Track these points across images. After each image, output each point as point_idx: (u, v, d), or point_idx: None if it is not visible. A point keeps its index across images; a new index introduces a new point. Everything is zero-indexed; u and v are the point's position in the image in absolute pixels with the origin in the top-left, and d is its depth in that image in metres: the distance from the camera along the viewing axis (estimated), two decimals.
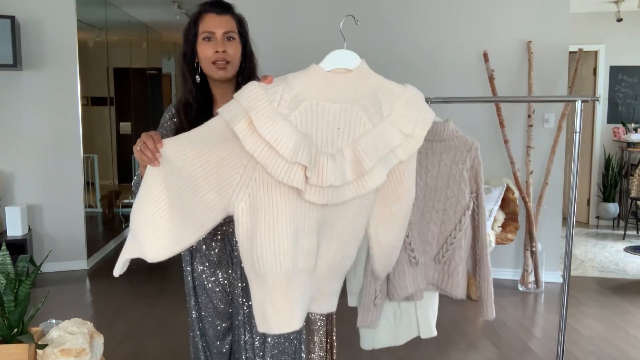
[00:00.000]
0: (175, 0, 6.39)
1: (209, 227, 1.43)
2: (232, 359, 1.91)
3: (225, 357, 1.93)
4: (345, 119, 1.39)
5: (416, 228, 1.95)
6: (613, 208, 6.81)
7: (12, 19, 4.59)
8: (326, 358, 2.68)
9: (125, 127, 6.87)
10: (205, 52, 1.69)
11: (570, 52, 4.70)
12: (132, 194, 1.74)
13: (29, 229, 4.88)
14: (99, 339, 1.80)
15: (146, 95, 7.98)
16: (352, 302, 2.39)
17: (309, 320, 2.60)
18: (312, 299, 1.54)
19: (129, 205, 7.10)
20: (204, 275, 1.87)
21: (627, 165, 6.80)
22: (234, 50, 1.71)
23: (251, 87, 1.36)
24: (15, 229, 4.70)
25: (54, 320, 1.83)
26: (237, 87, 1.79)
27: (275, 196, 1.37)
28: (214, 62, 1.69)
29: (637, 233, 6.57)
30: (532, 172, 4.59)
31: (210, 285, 1.86)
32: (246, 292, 1.81)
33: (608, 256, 5.63)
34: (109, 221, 6.45)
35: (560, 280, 4.58)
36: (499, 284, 4.36)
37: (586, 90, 6.80)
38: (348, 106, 1.40)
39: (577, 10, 6.07)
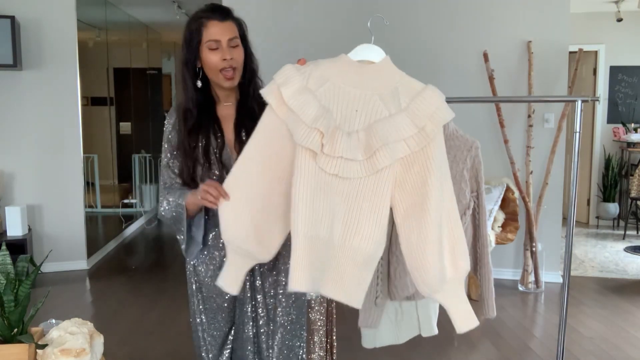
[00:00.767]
0: (175, 0, 6.40)
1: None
2: (234, 356, 1.91)
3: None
4: (364, 103, 1.53)
5: None
6: (613, 208, 6.82)
7: (12, 19, 4.59)
8: (326, 358, 2.68)
9: (125, 127, 6.87)
10: (212, 60, 1.71)
11: (570, 52, 4.70)
12: (170, 220, 1.80)
13: (29, 229, 4.87)
14: (99, 339, 1.80)
15: (146, 95, 7.98)
16: None
17: (309, 320, 2.60)
18: (334, 282, 1.56)
19: (129, 205, 7.12)
20: (209, 274, 1.86)
21: (627, 165, 6.80)
22: (239, 56, 1.75)
23: (285, 68, 1.57)
24: (15, 229, 4.70)
25: (54, 320, 1.83)
26: (240, 87, 1.81)
27: (301, 162, 1.52)
28: (221, 70, 1.72)
29: (637, 233, 6.57)
30: (532, 172, 4.59)
31: (214, 282, 1.86)
32: (253, 287, 1.83)
33: (608, 256, 5.63)
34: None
35: (560, 280, 4.58)
36: (499, 284, 4.35)
37: (586, 90, 6.80)
38: (368, 93, 1.55)
39: (577, 10, 6.07)
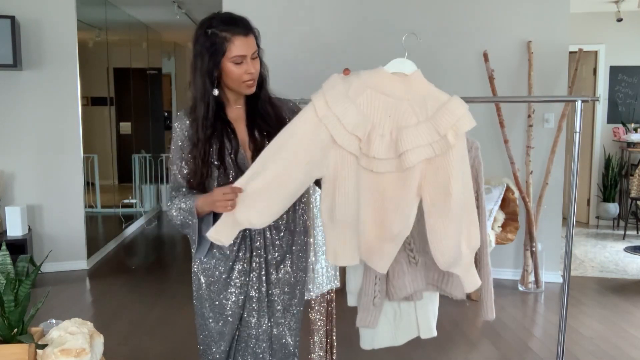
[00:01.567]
0: (175, 0, 6.39)
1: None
2: (237, 347, 1.93)
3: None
4: (396, 110, 1.78)
5: (416, 228, 1.95)
6: (613, 208, 6.82)
7: (12, 19, 4.59)
8: (326, 358, 2.68)
9: (125, 127, 6.87)
10: (237, 73, 1.77)
11: (570, 52, 4.70)
12: (178, 226, 1.85)
13: (29, 229, 4.88)
14: (99, 339, 1.80)
15: (146, 95, 7.98)
16: (351, 301, 2.39)
17: (309, 320, 2.60)
18: (368, 252, 1.89)
19: (129, 205, 7.12)
20: (216, 272, 1.87)
21: (627, 165, 6.80)
22: (258, 66, 1.82)
23: (332, 77, 1.82)
24: (15, 229, 4.70)
25: (54, 320, 1.83)
26: None
27: (346, 166, 1.80)
28: (244, 81, 1.78)
29: (637, 233, 6.57)
30: (532, 172, 4.59)
31: (223, 277, 1.87)
32: (259, 280, 1.86)
33: (608, 256, 5.63)
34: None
35: (560, 280, 4.58)
36: (499, 284, 4.35)
37: (586, 90, 6.80)
38: (399, 101, 1.79)
39: (577, 10, 6.07)
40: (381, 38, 4.62)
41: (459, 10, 4.65)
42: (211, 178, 1.81)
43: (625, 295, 4.48)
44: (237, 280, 1.87)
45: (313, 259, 2.39)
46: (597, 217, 7.00)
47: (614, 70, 6.81)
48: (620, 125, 6.82)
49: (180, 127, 1.86)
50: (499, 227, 4.30)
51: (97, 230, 6.15)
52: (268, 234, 1.86)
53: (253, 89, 1.82)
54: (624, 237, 6.35)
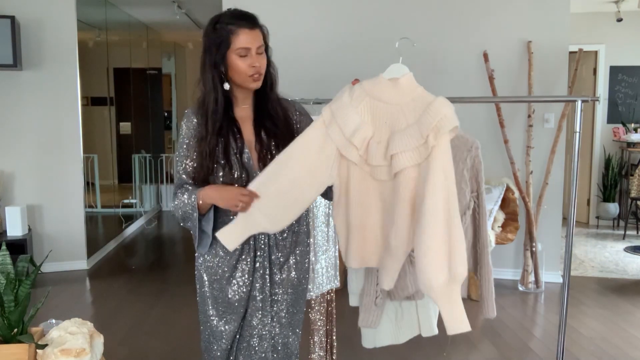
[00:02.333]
0: (175, 0, 6.39)
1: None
2: (239, 346, 1.93)
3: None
4: (390, 115, 1.78)
5: None
6: (613, 208, 6.81)
7: (12, 19, 4.59)
8: (326, 358, 2.68)
9: (125, 127, 6.87)
10: (241, 66, 1.78)
11: (570, 52, 4.69)
12: (179, 218, 1.86)
13: (29, 229, 4.88)
14: (99, 339, 1.80)
15: (146, 95, 7.98)
16: (353, 302, 2.39)
17: (309, 320, 2.60)
18: (378, 262, 1.89)
19: (129, 205, 7.12)
20: (220, 271, 1.88)
21: (627, 165, 6.80)
22: (264, 62, 1.83)
23: (342, 89, 1.87)
24: (15, 229, 4.70)
25: (54, 320, 1.84)
26: (256, 90, 1.87)
27: (353, 174, 1.83)
28: (249, 76, 1.79)
29: (637, 233, 6.57)
30: (532, 172, 4.59)
31: (226, 275, 1.87)
32: (263, 280, 1.87)
33: (608, 256, 5.63)
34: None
35: (560, 280, 4.58)
36: (499, 284, 4.34)
37: (586, 90, 6.80)
38: (393, 107, 1.79)
39: (577, 10, 6.07)
40: (381, 38, 4.62)
41: (459, 10, 4.65)
42: (216, 176, 1.82)
43: (625, 295, 4.48)
44: (240, 280, 1.87)
45: (313, 259, 2.39)
46: (597, 217, 7.00)
47: (614, 70, 6.81)
48: (620, 125, 6.81)
49: (187, 125, 1.87)
50: (499, 227, 4.29)
51: (97, 230, 6.15)
52: (272, 234, 1.86)
53: (258, 84, 1.83)
54: (624, 237, 6.35)
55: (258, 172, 1.83)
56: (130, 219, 6.87)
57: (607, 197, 6.84)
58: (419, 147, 1.70)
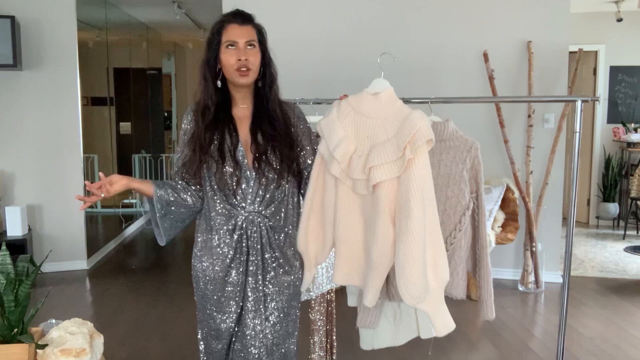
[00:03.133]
0: (175, 0, 6.39)
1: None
2: (234, 347, 1.93)
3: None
4: (372, 130, 1.81)
5: None
6: (613, 208, 6.81)
7: (12, 19, 4.59)
8: (326, 358, 2.68)
9: (125, 127, 6.87)
10: (229, 59, 1.81)
11: (570, 52, 4.69)
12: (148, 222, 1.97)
13: (29, 229, 4.88)
14: (99, 339, 1.80)
15: (146, 95, 7.98)
16: (352, 302, 2.39)
17: (309, 320, 2.60)
18: (363, 287, 1.90)
19: (129, 205, 7.12)
20: (214, 272, 1.89)
21: (627, 165, 6.80)
22: (255, 58, 1.83)
23: (333, 104, 1.91)
24: (15, 229, 4.70)
25: (54, 320, 1.84)
26: (256, 91, 1.90)
27: (338, 188, 1.85)
28: (237, 69, 1.81)
29: (637, 233, 6.57)
30: (532, 172, 4.59)
31: (221, 275, 1.88)
32: (256, 280, 1.87)
33: (608, 256, 5.63)
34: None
35: (560, 280, 4.58)
36: (499, 284, 4.35)
37: (586, 90, 6.80)
38: (375, 120, 1.82)
39: (577, 10, 6.07)
40: (381, 38, 4.62)
41: (459, 10, 4.65)
42: (209, 171, 1.85)
43: (625, 295, 4.48)
44: (235, 280, 1.88)
45: None
46: (597, 217, 7.00)
47: (614, 70, 6.81)
48: (620, 125, 6.81)
49: (185, 122, 1.93)
50: (499, 227, 4.29)
51: (97, 230, 6.15)
52: (265, 233, 1.87)
53: (247, 80, 1.83)
54: (624, 237, 6.35)
55: (252, 172, 1.84)
56: (130, 219, 6.87)
57: (607, 197, 6.84)
58: (397, 161, 1.72)
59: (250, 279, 1.88)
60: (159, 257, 5.89)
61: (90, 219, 5.62)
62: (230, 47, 1.80)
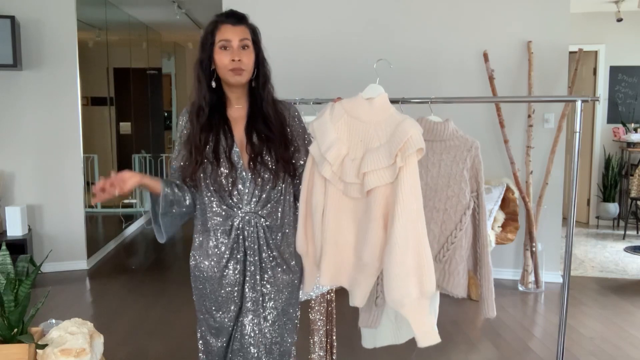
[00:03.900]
0: (175, 0, 6.39)
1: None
2: (232, 347, 1.93)
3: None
4: (364, 134, 1.83)
5: None
6: (613, 208, 6.81)
7: (12, 19, 4.58)
8: (326, 358, 2.68)
9: (125, 127, 6.87)
10: (223, 60, 1.81)
11: (570, 52, 4.69)
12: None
13: (29, 229, 4.87)
14: (99, 339, 1.80)
15: (146, 95, 7.98)
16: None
17: (309, 320, 2.60)
18: (349, 280, 1.92)
19: (129, 205, 7.12)
20: (211, 271, 1.89)
21: (627, 165, 6.80)
22: (248, 58, 1.83)
23: (326, 106, 1.93)
24: (15, 229, 4.70)
25: (54, 320, 1.84)
26: (250, 91, 1.90)
27: (328, 190, 1.86)
28: (230, 70, 1.81)
29: (637, 233, 6.57)
30: (532, 172, 4.59)
31: (218, 275, 1.88)
32: (253, 279, 1.87)
33: (608, 256, 5.63)
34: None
35: (560, 280, 4.58)
36: (499, 284, 4.34)
37: (586, 90, 6.80)
38: (368, 125, 1.84)
39: (577, 10, 6.07)
40: (381, 38, 4.62)
41: (459, 10, 4.65)
42: (205, 173, 1.85)
43: (625, 295, 4.48)
44: (232, 280, 1.88)
45: None
46: (597, 217, 7.00)
47: (614, 70, 6.81)
48: (620, 125, 6.81)
49: (182, 123, 1.93)
50: (499, 227, 4.29)
51: (97, 230, 6.15)
52: (262, 233, 1.87)
53: (240, 79, 1.83)
54: (624, 237, 6.35)
55: (247, 172, 1.84)
56: (130, 219, 6.87)
57: (607, 197, 6.84)
58: (389, 167, 1.74)
59: (248, 278, 1.88)
60: (159, 257, 5.89)
61: (90, 219, 5.62)
62: (223, 47, 1.81)
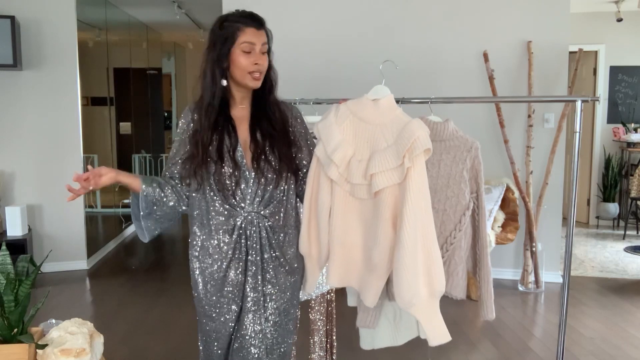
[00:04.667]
0: (175, 0, 6.39)
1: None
2: (232, 347, 1.93)
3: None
4: (371, 136, 1.84)
5: None
6: (613, 208, 6.82)
7: (12, 19, 4.59)
8: (326, 358, 2.68)
9: (125, 127, 6.87)
10: (244, 62, 1.81)
11: (570, 52, 4.69)
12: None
13: (29, 229, 4.88)
14: (99, 339, 1.80)
15: (146, 95, 7.98)
16: (351, 302, 2.39)
17: (309, 320, 2.60)
18: (359, 281, 1.92)
19: (129, 205, 7.11)
20: (213, 272, 1.89)
21: (627, 165, 6.80)
22: (266, 63, 1.85)
23: (330, 107, 1.93)
24: (15, 229, 4.70)
25: (54, 320, 1.84)
26: (255, 91, 1.89)
27: (335, 191, 1.87)
28: (250, 72, 1.81)
29: (637, 233, 6.57)
30: (532, 172, 4.59)
31: (220, 275, 1.88)
32: (255, 279, 1.87)
33: (608, 256, 5.63)
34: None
35: (560, 280, 4.58)
36: (499, 284, 4.35)
37: (586, 90, 6.80)
38: (374, 127, 1.84)
39: (577, 10, 6.07)
40: (381, 39, 4.62)
41: (459, 10, 4.65)
42: (207, 172, 1.84)
43: (625, 295, 4.48)
44: (234, 280, 1.88)
45: None
46: (597, 217, 7.00)
47: (614, 70, 6.81)
48: (620, 125, 6.82)
49: (184, 121, 1.91)
50: (499, 227, 4.29)
51: (97, 230, 6.15)
52: (264, 233, 1.87)
53: (258, 83, 1.84)
54: (624, 237, 6.35)
55: (251, 172, 1.83)
56: (130, 219, 6.85)
57: (607, 197, 6.84)
58: (397, 168, 1.75)
59: (249, 279, 1.88)
60: (159, 257, 5.89)
61: (90, 219, 5.62)
62: (246, 50, 1.80)
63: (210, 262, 1.89)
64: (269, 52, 1.87)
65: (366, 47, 4.60)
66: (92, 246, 5.37)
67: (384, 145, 1.79)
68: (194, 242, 1.93)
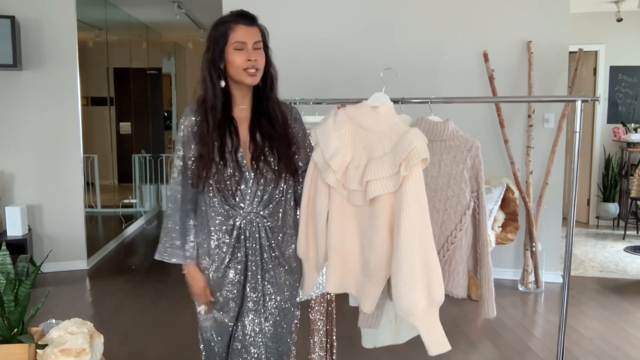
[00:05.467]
0: (175, 0, 6.39)
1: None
2: (232, 347, 1.93)
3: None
4: (369, 142, 1.84)
5: None
6: (613, 208, 6.81)
7: (12, 19, 4.58)
8: (326, 358, 2.68)
9: (125, 127, 6.87)
10: (237, 60, 1.81)
11: (570, 52, 4.69)
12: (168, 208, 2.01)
13: (29, 229, 4.87)
14: (99, 339, 1.80)
15: (146, 95, 7.98)
16: (352, 302, 2.39)
17: (309, 320, 2.60)
18: (357, 287, 1.92)
19: (129, 205, 7.11)
20: (212, 272, 1.90)
21: (627, 165, 6.80)
22: (262, 59, 1.85)
23: (329, 113, 1.94)
24: (15, 229, 4.70)
25: (54, 320, 1.84)
26: (255, 91, 1.90)
27: (332, 197, 1.88)
28: (244, 69, 1.81)
29: (637, 233, 6.57)
30: (532, 172, 4.59)
31: (219, 275, 1.89)
32: (255, 279, 1.88)
33: (608, 256, 5.63)
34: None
35: (560, 280, 4.58)
36: (499, 284, 4.34)
37: (586, 90, 6.80)
38: (372, 134, 1.85)
39: (577, 10, 6.07)
40: (381, 39, 4.62)
41: (459, 10, 4.65)
42: (209, 173, 1.84)
43: (625, 295, 4.48)
44: (233, 280, 1.88)
45: None
46: (597, 217, 7.00)
47: (614, 70, 6.81)
48: (620, 125, 6.81)
49: (185, 123, 1.90)
50: (499, 227, 4.29)
51: (97, 230, 6.15)
52: (263, 234, 1.87)
53: (254, 80, 1.84)
54: (624, 237, 6.35)
55: (250, 172, 1.83)
56: (130, 219, 6.87)
57: (607, 197, 6.84)
58: (393, 176, 1.75)
59: (249, 278, 1.88)
60: None
61: (90, 219, 5.62)
62: (238, 48, 1.80)
63: (210, 262, 1.89)
64: (266, 48, 1.86)
65: (366, 47, 4.60)
66: (92, 246, 5.37)
67: (381, 152, 1.80)
68: (195, 242, 1.93)
